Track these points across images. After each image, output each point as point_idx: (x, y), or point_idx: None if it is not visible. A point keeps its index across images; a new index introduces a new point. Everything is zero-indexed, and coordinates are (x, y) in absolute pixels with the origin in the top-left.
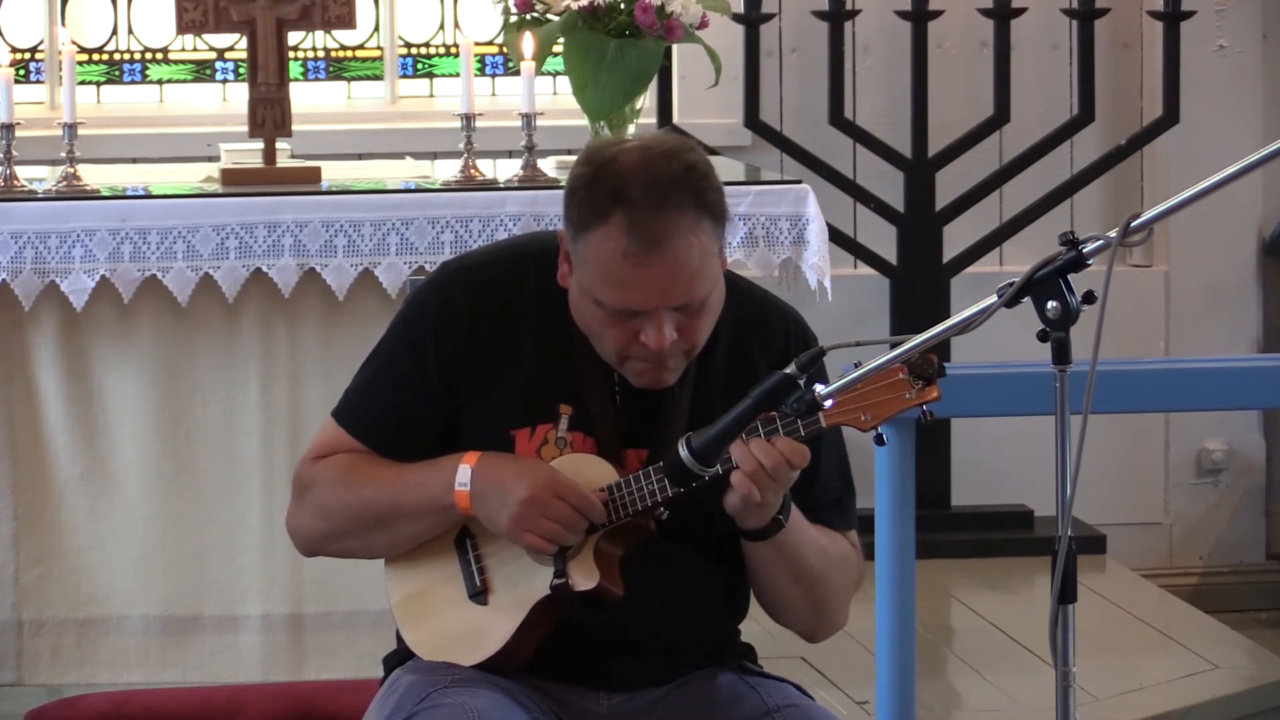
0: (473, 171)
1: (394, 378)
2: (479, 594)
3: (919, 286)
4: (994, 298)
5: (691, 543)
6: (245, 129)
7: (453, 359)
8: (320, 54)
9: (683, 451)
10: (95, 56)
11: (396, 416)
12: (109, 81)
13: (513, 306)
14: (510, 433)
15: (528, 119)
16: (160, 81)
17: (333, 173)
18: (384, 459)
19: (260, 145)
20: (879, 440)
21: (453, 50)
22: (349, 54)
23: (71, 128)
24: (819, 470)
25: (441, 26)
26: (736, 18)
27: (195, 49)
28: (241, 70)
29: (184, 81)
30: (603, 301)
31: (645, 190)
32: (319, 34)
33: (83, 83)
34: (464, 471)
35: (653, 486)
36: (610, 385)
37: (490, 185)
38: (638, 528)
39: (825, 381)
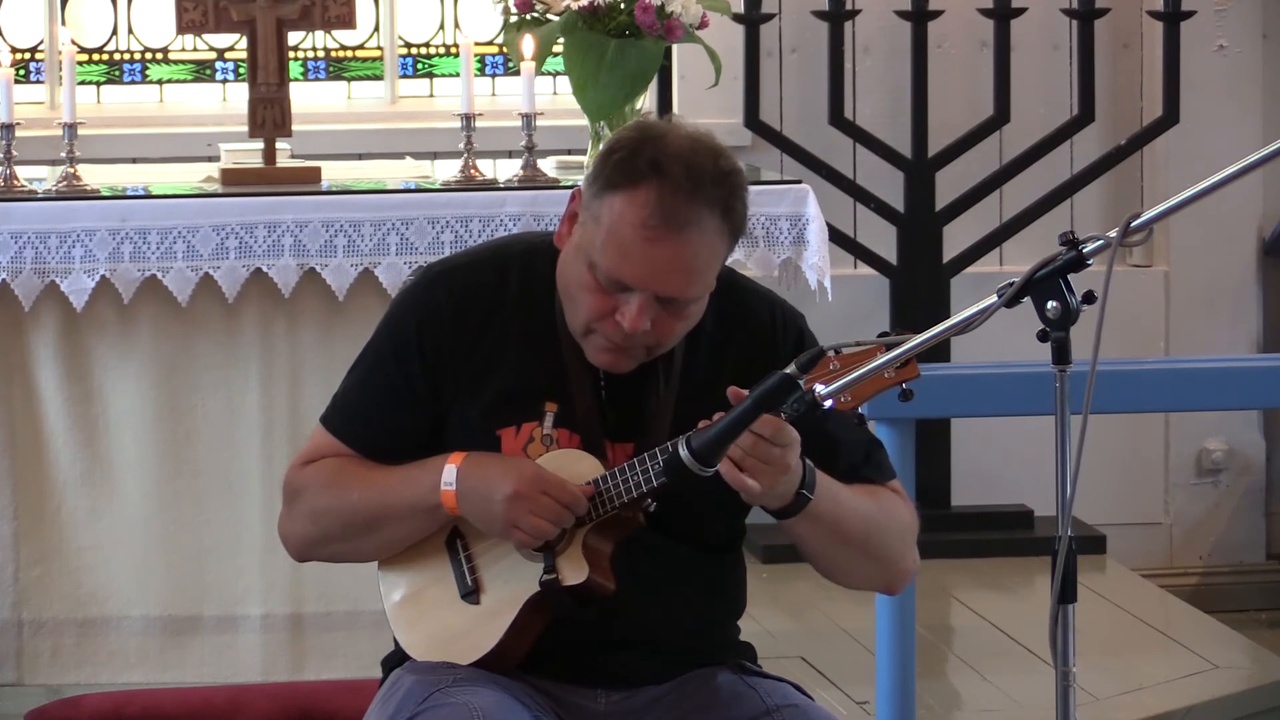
0: (473, 171)
1: (380, 382)
2: (471, 594)
3: (919, 286)
4: (994, 298)
5: (681, 536)
6: (245, 129)
7: (438, 362)
8: (320, 54)
9: (682, 452)
10: (95, 56)
11: (383, 421)
12: (109, 81)
13: (497, 307)
14: (496, 432)
15: (528, 119)
16: (160, 81)
17: (333, 173)
18: (372, 463)
19: (260, 145)
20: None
21: (453, 50)
22: (349, 54)
23: (71, 128)
24: (836, 438)
25: (441, 26)
26: (736, 18)
27: (195, 49)
28: (241, 70)
29: (184, 81)
30: (597, 264)
31: (685, 172)
32: (319, 34)
33: (83, 83)
34: (449, 471)
35: (639, 478)
36: (596, 381)
37: (490, 185)
38: (626, 521)
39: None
